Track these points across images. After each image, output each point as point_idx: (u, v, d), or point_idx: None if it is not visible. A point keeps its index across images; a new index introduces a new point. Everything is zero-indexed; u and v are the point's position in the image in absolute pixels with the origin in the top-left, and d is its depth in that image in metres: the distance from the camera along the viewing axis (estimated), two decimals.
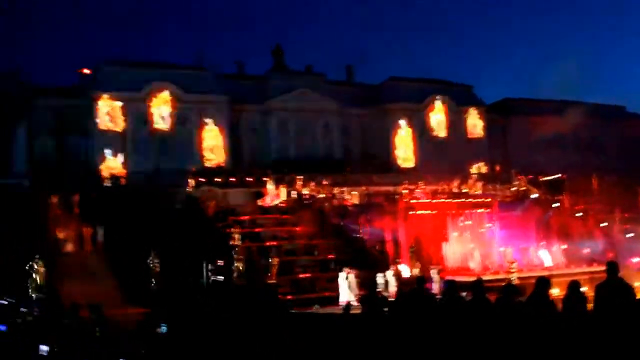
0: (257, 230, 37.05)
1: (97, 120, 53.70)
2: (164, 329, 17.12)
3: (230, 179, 50.59)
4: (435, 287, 27.21)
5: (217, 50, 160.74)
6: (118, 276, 28.85)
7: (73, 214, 35.83)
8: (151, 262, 28.62)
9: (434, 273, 30.16)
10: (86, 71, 57.31)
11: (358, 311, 16.10)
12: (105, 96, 53.76)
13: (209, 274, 29.48)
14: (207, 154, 56.97)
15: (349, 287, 29.04)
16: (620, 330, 10.11)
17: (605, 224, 43.74)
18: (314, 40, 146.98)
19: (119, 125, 54.36)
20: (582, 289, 12.11)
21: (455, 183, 49.78)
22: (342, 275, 29.45)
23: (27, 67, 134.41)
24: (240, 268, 29.81)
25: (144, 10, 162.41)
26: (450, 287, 13.47)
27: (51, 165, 49.56)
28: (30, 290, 26.39)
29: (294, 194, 43.66)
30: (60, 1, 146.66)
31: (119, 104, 53.99)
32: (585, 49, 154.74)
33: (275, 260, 31.03)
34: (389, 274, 30.36)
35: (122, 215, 34.62)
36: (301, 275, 32.61)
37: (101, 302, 18.84)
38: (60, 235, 33.59)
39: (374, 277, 28.44)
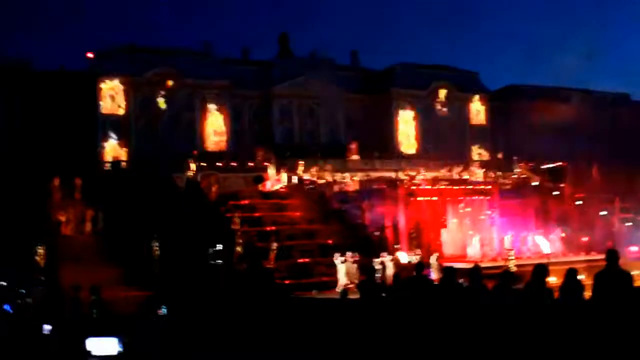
0: (257, 214, 37.12)
1: (101, 104, 53.77)
2: (164, 310, 17.34)
3: (232, 164, 50.73)
4: (434, 274, 27.34)
5: (224, 36, 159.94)
6: (119, 259, 28.89)
7: (75, 197, 35.85)
8: (153, 245, 28.74)
9: (432, 259, 30.31)
10: (90, 55, 57.17)
11: (356, 296, 16.16)
12: (108, 80, 53.80)
13: (210, 258, 29.60)
14: (209, 139, 57.06)
15: (347, 272, 29.18)
16: (619, 319, 10.14)
17: (605, 212, 43.79)
18: (319, 25, 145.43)
19: (122, 109, 54.45)
20: (579, 277, 12.13)
21: (457, 170, 49.77)
22: (338, 260, 29.54)
23: (32, 50, 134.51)
24: (240, 252, 29.99)
25: None
26: (449, 273, 13.52)
27: (54, 148, 49.58)
28: (31, 272, 26.54)
29: (295, 179, 43.68)
30: None
31: (122, 87, 54.06)
32: (593, 35, 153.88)
33: (274, 245, 31.15)
34: (388, 259, 30.48)
35: (124, 199, 34.72)
36: (300, 260, 32.72)
37: (101, 284, 18.99)
38: (62, 218, 33.68)
39: (372, 263, 28.54)
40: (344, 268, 29.20)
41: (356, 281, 27.48)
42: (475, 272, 12.70)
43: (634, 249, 34.57)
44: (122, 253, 29.17)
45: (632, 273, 11.50)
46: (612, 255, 11.24)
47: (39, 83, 52.80)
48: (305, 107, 63.73)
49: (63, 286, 22.91)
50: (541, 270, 11.58)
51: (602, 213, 43.77)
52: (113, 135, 53.33)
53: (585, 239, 39.74)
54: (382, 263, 29.60)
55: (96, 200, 35.02)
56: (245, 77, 61.07)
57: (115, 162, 50.29)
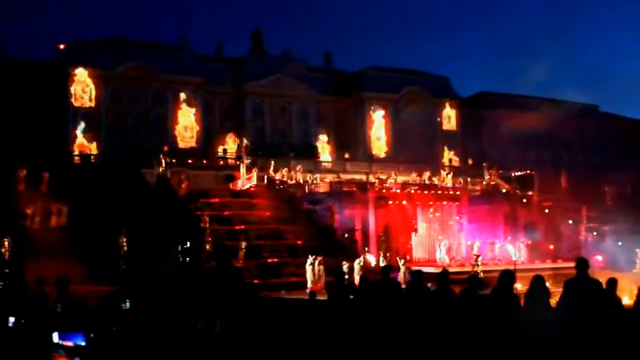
0: (226, 213, 36.98)
1: (72, 96, 53.08)
2: (128, 304, 17.32)
3: (203, 161, 50.52)
4: (401, 276, 27.55)
5: (198, 32, 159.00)
6: (85, 254, 28.58)
7: (41, 190, 35.40)
8: (121, 241, 28.52)
9: (400, 262, 30.53)
10: (61, 46, 56.39)
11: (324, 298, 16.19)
12: (79, 72, 53.17)
13: (179, 255, 29.43)
14: (180, 135, 56.64)
15: (315, 273, 29.24)
16: (589, 327, 10.23)
17: (572, 221, 44.37)
18: (294, 24, 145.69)
19: (93, 102, 53.83)
20: (546, 284, 12.24)
21: (426, 174, 50.08)
22: (308, 262, 29.64)
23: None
24: (209, 250, 29.87)
25: None
26: (417, 277, 13.57)
27: (23, 140, 48.86)
28: None
29: (265, 179, 43.61)
30: None
31: (94, 80, 53.45)
32: (565, 47, 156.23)
33: (243, 244, 31.05)
34: (356, 262, 30.61)
35: (91, 193, 34.32)
36: (269, 260, 32.67)
37: (67, 278, 18.77)
38: (28, 211, 33.20)
39: (341, 265, 28.62)
40: (311, 269, 29.31)
41: (319, 283, 27.71)
42: (443, 277, 12.77)
43: (598, 258, 35.05)
44: (89, 248, 28.87)
45: None
46: (582, 264, 11.36)
47: (6, 71, 51.97)
48: (278, 106, 63.45)
49: (28, 280, 22.62)
50: (508, 276, 11.66)
51: (569, 222, 44.35)
52: (83, 128, 52.66)
53: (552, 246, 40.24)
54: (350, 265, 29.72)
55: (63, 194, 34.59)
56: (218, 74, 60.65)
57: (85, 156, 49.71)
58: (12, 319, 14.70)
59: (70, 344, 14.25)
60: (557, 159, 58.61)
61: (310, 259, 29.48)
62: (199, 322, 17.44)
